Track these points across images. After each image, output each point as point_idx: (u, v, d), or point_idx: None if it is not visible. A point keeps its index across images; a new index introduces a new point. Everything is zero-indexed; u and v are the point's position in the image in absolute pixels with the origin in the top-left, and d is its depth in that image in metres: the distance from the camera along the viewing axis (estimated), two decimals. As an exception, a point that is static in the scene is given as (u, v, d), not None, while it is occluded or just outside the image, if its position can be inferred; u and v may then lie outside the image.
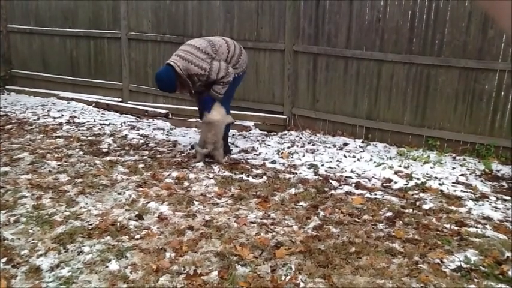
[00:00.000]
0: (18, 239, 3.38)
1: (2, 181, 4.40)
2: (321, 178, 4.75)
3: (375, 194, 4.37)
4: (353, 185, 4.60)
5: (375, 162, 5.20)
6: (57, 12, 8.16)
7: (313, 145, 5.82)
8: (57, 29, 8.19)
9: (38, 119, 6.84)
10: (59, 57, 8.35)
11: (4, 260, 3.09)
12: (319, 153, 5.50)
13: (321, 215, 3.90)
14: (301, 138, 6.12)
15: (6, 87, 8.65)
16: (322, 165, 5.11)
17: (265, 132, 6.39)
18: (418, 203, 4.18)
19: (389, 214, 3.95)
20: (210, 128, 4.97)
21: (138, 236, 3.46)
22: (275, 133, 6.34)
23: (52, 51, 8.42)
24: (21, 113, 7.15)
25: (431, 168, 5.04)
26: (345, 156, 5.43)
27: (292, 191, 4.37)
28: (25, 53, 8.69)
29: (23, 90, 8.53)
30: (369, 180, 4.73)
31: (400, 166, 5.07)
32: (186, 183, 4.49)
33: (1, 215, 3.71)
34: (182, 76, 4.88)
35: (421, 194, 4.39)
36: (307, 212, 3.96)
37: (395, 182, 4.67)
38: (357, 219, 3.86)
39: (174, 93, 5.26)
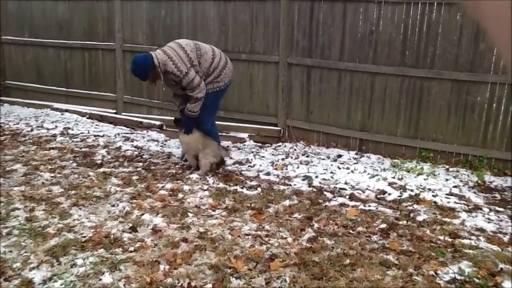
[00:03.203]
0: (11, 251, 3.35)
1: (-6, 193, 4.38)
2: (315, 190, 4.75)
3: (369, 206, 4.38)
4: (347, 196, 4.61)
5: (368, 173, 5.22)
6: (51, 23, 8.17)
7: (307, 157, 5.84)
8: (51, 40, 8.20)
9: (32, 130, 6.81)
10: (53, 69, 8.35)
11: (-4, 273, 3.06)
12: (314, 165, 5.51)
13: (316, 227, 3.90)
14: (295, 149, 6.14)
15: (0, 98, 8.62)
16: (317, 176, 5.12)
17: (260, 144, 6.39)
18: (412, 215, 4.19)
19: (383, 226, 3.95)
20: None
21: (131, 249, 3.44)
22: (269, 145, 6.35)
23: (46, 63, 8.41)
24: (14, 124, 7.13)
25: (424, 179, 5.06)
26: (339, 167, 5.44)
27: (287, 202, 4.38)
28: (19, 64, 8.68)
29: (17, 101, 8.50)
30: (363, 192, 4.74)
31: (393, 178, 5.09)
32: (180, 195, 4.48)
33: (-7, 228, 3.68)
34: (157, 68, 4.90)
35: (415, 206, 4.40)
36: (302, 223, 3.96)
37: (389, 194, 4.69)
38: (351, 231, 3.86)
39: (144, 81, 5.25)
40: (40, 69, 8.49)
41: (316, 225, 3.94)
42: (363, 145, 6.06)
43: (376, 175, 5.15)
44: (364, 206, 4.39)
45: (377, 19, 5.70)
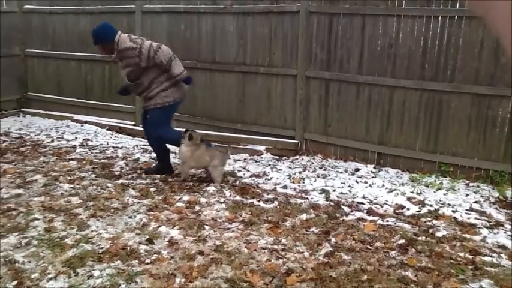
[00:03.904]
0: (29, 261, 3.38)
1: (14, 203, 4.44)
2: (332, 204, 4.72)
3: (387, 221, 4.33)
4: (365, 211, 4.56)
5: (387, 188, 5.16)
6: (73, 37, 8.32)
7: (324, 170, 5.80)
8: (73, 53, 8.35)
9: (52, 141, 6.92)
10: (73, 81, 8.49)
11: (14, 283, 3.09)
12: (331, 179, 5.47)
13: (333, 242, 3.86)
14: (312, 163, 6.11)
15: (22, 109, 8.79)
16: (334, 190, 5.08)
17: (277, 157, 6.38)
18: (431, 231, 4.12)
19: (401, 241, 3.89)
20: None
21: (148, 261, 3.45)
22: (286, 158, 6.33)
23: (67, 75, 8.56)
24: (35, 135, 7.25)
25: (444, 194, 4.98)
26: (357, 181, 5.39)
27: (304, 216, 4.34)
28: (41, 76, 8.85)
29: (38, 112, 8.65)
30: (381, 207, 4.69)
31: (412, 192, 5.02)
32: (197, 208, 4.48)
33: (13, 238, 3.72)
34: (114, 44, 5.01)
35: (434, 221, 4.33)
36: (319, 238, 3.93)
37: (408, 209, 4.62)
38: (369, 246, 3.81)
39: (95, 45, 5.27)
40: (61, 82, 8.64)
41: (333, 239, 3.90)
42: (381, 159, 6.00)
43: (395, 189, 5.09)
44: (382, 220, 4.33)
45: (396, 32, 5.67)
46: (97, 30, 5.12)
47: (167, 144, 5.50)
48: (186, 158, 5.17)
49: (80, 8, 8.15)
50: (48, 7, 8.50)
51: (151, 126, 5.34)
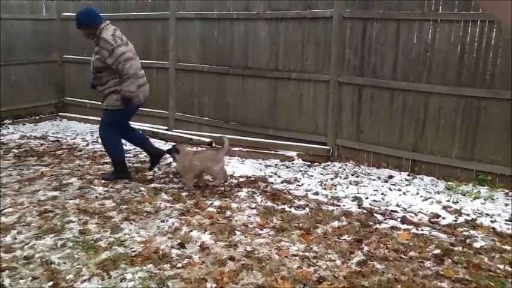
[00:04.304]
0: (64, 263, 3.45)
1: (51, 205, 4.54)
2: (365, 211, 4.64)
3: (422, 230, 4.22)
4: (399, 219, 4.47)
5: (421, 196, 5.05)
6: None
7: (357, 177, 5.72)
8: (108, 59, 8.51)
9: (87, 145, 7.07)
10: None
11: (50, 283, 3.16)
12: (363, 186, 5.39)
13: (365, 250, 3.79)
14: (344, 169, 6.03)
15: (59, 113, 9.03)
16: (367, 198, 5.00)
17: (308, 163, 6.33)
18: (468, 241, 4.00)
19: (437, 251, 3.79)
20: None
21: (179, 265, 3.46)
22: (318, 164, 6.28)
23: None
24: (71, 139, 7.43)
25: (482, 204, 4.83)
26: (390, 189, 5.29)
27: (336, 223, 4.29)
28: (77, 81, 9.05)
29: (74, 117, 8.87)
30: (416, 215, 4.58)
31: (448, 201, 4.89)
32: (228, 213, 4.49)
33: (49, 239, 3.81)
34: (97, 30, 5.08)
35: (471, 231, 4.20)
36: (351, 246, 3.86)
37: (444, 218, 4.50)
38: (402, 256, 3.72)
39: (78, 28, 5.30)
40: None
41: (366, 248, 3.83)
42: (416, 166, 5.87)
43: (430, 198, 4.97)
44: (417, 229, 4.23)
45: (432, 37, 5.55)
46: (82, 15, 5.20)
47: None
48: (183, 171, 5.20)
49: (116, 14, 8.32)
50: (85, 14, 8.71)
51: (100, 124, 5.41)
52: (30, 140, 7.27)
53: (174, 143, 5.37)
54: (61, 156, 6.42)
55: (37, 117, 8.74)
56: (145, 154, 6.54)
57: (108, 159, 6.25)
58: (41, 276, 3.26)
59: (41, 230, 3.99)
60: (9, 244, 3.72)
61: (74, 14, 8.72)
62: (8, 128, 7.96)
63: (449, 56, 5.48)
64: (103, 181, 5.27)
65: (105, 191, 5.00)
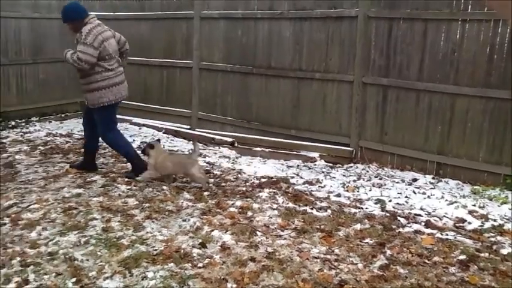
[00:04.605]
0: (87, 260, 3.49)
1: (75, 202, 4.61)
2: (388, 214, 4.57)
3: (447, 235, 4.13)
4: (423, 223, 4.38)
5: (446, 200, 4.94)
6: (134, 42, 8.56)
7: (380, 179, 5.64)
8: (133, 58, 8.59)
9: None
10: (133, 85, 8.70)
11: (73, 280, 3.19)
12: (387, 188, 5.31)
13: (388, 254, 3.73)
14: (367, 171, 5.96)
15: (85, 112, 9.16)
16: (390, 200, 4.93)
17: (331, 164, 6.28)
18: (494, 247, 3.90)
19: (462, 257, 3.70)
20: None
21: (200, 265, 3.47)
22: (340, 165, 6.22)
23: (127, 79, 8.76)
24: (96, 137, 7.51)
25: (509, 209, 4.70)
26: (414, 192, 5.21)
27: (358, 226, 4.23)
28: (103, 80, 9.17)
29: (99, 115, 8.98)
30: (440, 219, 4.49)
31: (474, 206, 4.78)
32: (249, 213, 4.47)
33: (73, 236, 3.86)
34: (82, 24, 5.07)
35: (498, 237, 4.09)
36: (373, 249, 3.81)
37: (469, 223, 4.40)
38: (426, 261, 3.65)
39: (64, 23, 5.28)
40: (122, 85, 8.92)
41: (388, 252, 3.77)
42: (441, 169, 5.76)
43: (455, 202, 4.86)
44: (441, 234, 4.14)
45: (460, 37, 5.44)
46: (67, 10, 5.21)
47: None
48: (153, 167, 5.26)
49: (141, 14, 8.42)
50: (111, 13, 8.82)
51: (99, 128, 5.42)
52: (56, 138, 7.39)
53: (150, 143, 5.52)
54: (86, 153, 6.50)
55: (63, 115, 8.89)
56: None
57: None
58: (64, 272, 3.30)
59: (65, 226, 4.05)
60: (34, 240, 3.79)
61: (101, 13, 8.93)
62: (35, 126, 8.12)
63: (477, 57, 5.36)
64: (126, 179, 5.32)
65: (128, 189, 5.05)
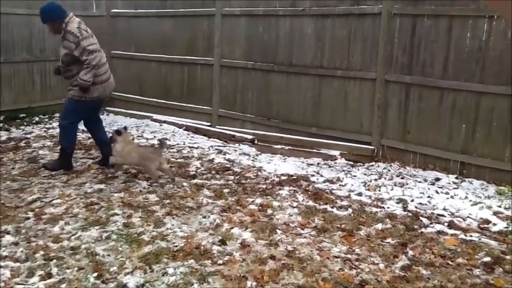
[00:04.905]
0: (109, 255, 3.52)
1: (97, 197, 4.66)
2: (410, 214, 4.50)
3: (471, 236, 4.06)
4: (446, 224, 4.31)
5: (470, 200, 4.85)
6: (156, 39, 8.65)
7: (402, 178, 5.56)
8: (154, 55, 8.67)
9: (133, 139, 7.20)
10: (154, 82, 8.82)
11: (95, 274, 3.22)
12: (409, 188, 5.24)
13: (410, 254, 3.68)
14: (389, 170, 5.88)
15: (106, 108, 9.25)
16: (412, 200, 4.85)
17: (351, 163, 6.22)
18: (521, 250, 3.81)
19: (487, 259, 3.63)
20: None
21: (220, 262, 3.46)
22: (362, 164, 6.15)
23: (148, 76, 8.91)
24: (118, 133, 7.58)
25: (536, 211, 4.59)
26: (437, 192, 5.12)
27: (379, 226, 4.18)
28: (124, 76, 9.23)
29: (120, 111, 9.08)
30: (464, 220, 4.41)
31: (499, 207, 4.67)
32: (269, 211, 4.46)
33: (94, 231, 3.90)
34: (62, 23, 5.13)
35: (525, 240, 4.00)
36: (395, 250, 3.76)
37: (494, 224, 4.31)
38: (450, 262, 3.59)
39: (44, 23, 5.34)
40: (142, 82, 9.00)
41: (410, 252, 3.72)
42: (464, 169, 5.65)
43: (479, 202, 4.77)
44: (465, 235, 4.07)
45: (487, 34, 5.32)
46: (47, 9, 5.23)
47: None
48: (119, 155, 5.29)
49: (163, 11, 8.45)
50: (133, 11, 8.90)
51: (61, 113, 5.56)
52: (78, 134, 7.43)
53: (117, 129, 5.52)
54: (107, 149, 6.56)
55: (85, 111, 8.98)
56: (189, 150, 6.62)
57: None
58: (86, 266, 3.34)
59: (87, 221, 4.09)
60: (57, 234, 3.84)
61: (123, 11, 9.02)
62: (58, 122, 8.21)
63: (504, 54, 5.23)
64: (147, 175, 5.35)
65: (148, 185, 5.08)
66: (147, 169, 5.25)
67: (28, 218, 4.14)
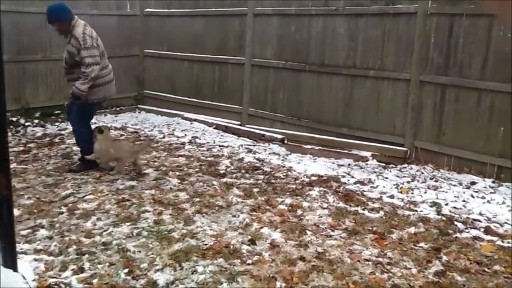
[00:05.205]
0: (139, 251, 3.55)
1: (129, 194, 4.71)
2: (444, 218, 4.38)
3: (508, 243, 3.92)
4: (482, 229, 4.17)
5: (508, 205, 4.69)
6: (188, 38, 8.71)
7: (436, 181, 5.43)
8: (186, 54, 8.73)
9: (164, 137, 7.28)
10: (185, 80, 8.88)
11: (126, 270, 3.25)
12: (443, 191, 5.10)
13: (444, 260, 3.58)
14: (422, 173, 5.75)
15: (138, 106, 9.39)
16: (446, 204, 4.73)
17: (383, 164, 6.10)
18: (562, 258, 3.65)
19: (526, 267, 3.49)
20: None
21: (249, 261, 3.45)
22: (394, 166, 6.03)
23: (180, 74, 8.98)
24: (149, 131, 7.69)
25: None
26: (473, 196, 4.97)
27: (412, 229, 4.08)
28: (156, 75, 9.36)
29: (152, 109, 9.19)
30: (501, 226, 4.26)
31: (539, 213, 4.50)
32: (299, 211, 4.42)
33: (126, 227, 3.94)
34: (70, 26, 5.13)
35: None
36: (428, 254, 3.66)
37: (534, 231, 4.15)
38: (486, 269, 3.47)
39: (50, 24, 5.27)
40: (174, 81, 9.08)
41: (444, 257, 3.61)
42: (502, 173, 5.47)
43: (518, 208, 4.61)
44: (502, 242, 3.93)
45: (528, 35, 5.14)
46: (55, 9, 5.20)
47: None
48: (100, 153, 5.34)
49: (195, 10, 8.50)
50: (166, 10, 8.99)
51: (71, 118, 5.59)
52: (110, 131, 7.60)
53: (99, 127, 5.61)
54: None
55: (118, 109, 9.13)
56: (219, 148, 6.64)
57: (183, 152, 6.42)
58: (117, 262, 3.37)
59: (119, 218, 4.14)
60: (89, 229, 3.90)
61: (156, 10, 9.12)
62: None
63: (546, 55, 5.04)
64: (177, 173, 5.38)
65: (179, 183, 5.11)
66: (120, 162, 5.37)
67: (62, 213, 4.22)
